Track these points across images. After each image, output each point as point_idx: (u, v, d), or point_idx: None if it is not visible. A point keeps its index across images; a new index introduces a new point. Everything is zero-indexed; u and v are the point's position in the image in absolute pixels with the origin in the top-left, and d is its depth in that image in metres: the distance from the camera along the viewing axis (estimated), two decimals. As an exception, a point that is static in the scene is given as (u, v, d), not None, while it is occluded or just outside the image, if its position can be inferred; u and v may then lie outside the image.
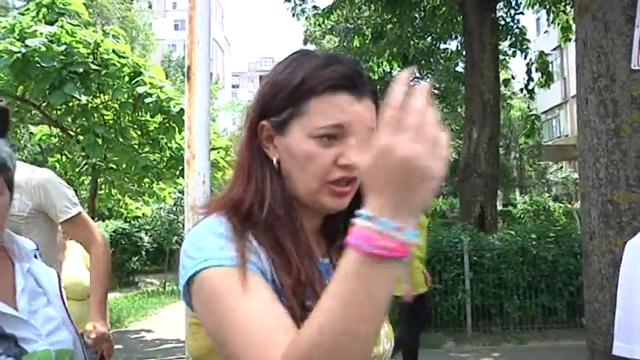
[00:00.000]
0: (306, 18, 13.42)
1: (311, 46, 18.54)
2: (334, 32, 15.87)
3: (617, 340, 1.71)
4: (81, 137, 7.14)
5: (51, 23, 6.51)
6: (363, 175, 0.74)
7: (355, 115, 0.94)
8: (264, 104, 0.99)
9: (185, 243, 0.94)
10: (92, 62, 6.40)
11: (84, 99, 6.53)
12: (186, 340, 1.01)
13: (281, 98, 0.96)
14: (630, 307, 1.36)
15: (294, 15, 13.23)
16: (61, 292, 1.37)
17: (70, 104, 6.78)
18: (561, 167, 26.15)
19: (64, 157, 8.45)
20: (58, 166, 8.50)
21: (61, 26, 6.35)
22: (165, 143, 7.71)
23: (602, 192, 3.32)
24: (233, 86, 68.58)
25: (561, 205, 19.85)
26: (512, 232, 8.53)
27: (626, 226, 3.24)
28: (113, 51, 6.66)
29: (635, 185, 3.23)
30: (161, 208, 15.18)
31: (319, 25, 14.42)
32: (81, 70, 6.23)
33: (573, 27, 11.43)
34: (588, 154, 3.38)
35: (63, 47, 6.16)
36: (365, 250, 0.71)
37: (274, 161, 0.98)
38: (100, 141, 6.91)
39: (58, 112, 7.21)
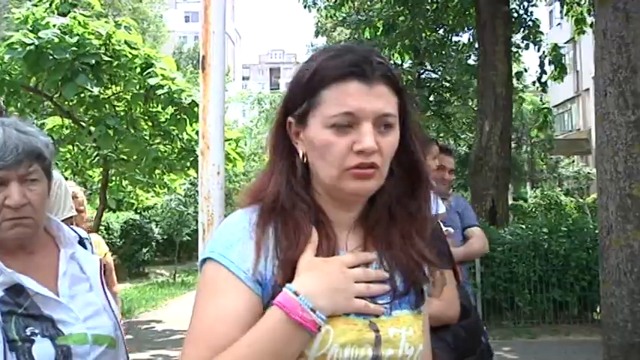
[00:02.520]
0: (318, 9, 13.37)
1: (322, 39, 18.50)
2: (345, 24, 15.79)
3: None
4: (92, 128, 7.15)
5: (64, 15, 6.53)
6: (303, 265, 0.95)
7: (365, 102, 0.96)
8: (287, 101, 1.04)
9: (219, 226, 1.06)
10: (104, 54, 6.40)
11: (96, 90, 6.53)
12: None
13: (298, 93, 1.01)
14: None
15: (305, 6, 13.18)
16: (102, 279, 1.41)
17: (82, 95, 6.79)
18: (573, 161, 26.00)
19: (75, 148, 8.47)
20: (69, 156, 8.52)
21: (74, 17, 6.35)
22: (177, 135, 7.71)
23: (621, 185, 3.27)
24: (243, 78, 68.60)
25: (573, 199, 19.73)
26: (523, 226, 8.48)
27: (645, 221, 3.20)
28: (125, 42, 6.65)
29: (655, 179, 3.18)
30: (171, 199, 15.23)
31: (331, 16, 14.38)
32: (93, 61, 6.23)
33: (587, 19, 11.40)
34: (606, 147, 3.33)
35: (75, 39, 6.16)
36: (287, 312, 0.89)
37: (301, 154, 1.02)
38: (111, 132, 6.92)
39: (70, 104, 7.22)
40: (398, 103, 1.00)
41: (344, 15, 14.69)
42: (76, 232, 1.47)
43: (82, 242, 1.46)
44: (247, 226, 0.99)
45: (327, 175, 0.99)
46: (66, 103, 7.20)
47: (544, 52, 12.58)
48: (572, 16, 12.04)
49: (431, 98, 16.88)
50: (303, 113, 1.00)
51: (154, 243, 16.77)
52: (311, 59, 1.04)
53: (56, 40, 5.98)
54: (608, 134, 3.32)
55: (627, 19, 3.20)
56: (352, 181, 0.97)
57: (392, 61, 13.48)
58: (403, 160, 1.03)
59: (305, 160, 1.01)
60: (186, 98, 6.88)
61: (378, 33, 13.24)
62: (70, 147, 8.56)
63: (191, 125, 7.18)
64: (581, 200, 19.10)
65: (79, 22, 6.33)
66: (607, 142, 3.33)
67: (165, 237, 16.81)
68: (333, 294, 0.93)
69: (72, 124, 7.92)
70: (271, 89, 59.57)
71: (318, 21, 17.88)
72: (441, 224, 3.08)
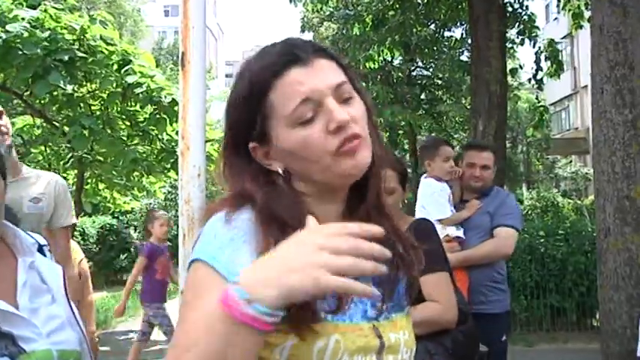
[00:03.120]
0: (304, 4, 13.36)
1: (309, 34, 18.48)
2: (333, 19, 15.81)
3: None
4: (67, 128, 7.09)
5: (33, 7, 6.43)
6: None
7: (314, 81, 0.95)
8: (237, 129, 1.01)
9: (204, 227, 0.99)
10: (78, 49, 6.34)
11: (70, 88, 6.47)
12: None
13: (244, 114, 0.99)
14: None
15: (290, 1, 13.16)
16: (66, 289, 1.36)
17: (55, 93, 6.73)
18: (570, 161, 26.21)
19: (48, 148, 8.40)
20: (41, 158, 8.44)
21: (45, 10, 6.28)
22: (156, 135, 7.67)
23: (619, 187, 3.30)
24: (226, 75, 68.40)
25: (570, 200, 19.88)
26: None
27: (643, 223, 3.23)
28: (101, 38, 6.59)
29: (653, 180, 3.22)
30: (151, 203, 15.15)
31: (317, 11, 14.36)
32: (66, 57, 6.16)
33: (585, 14, 11.50)
34: (604, 146, 3.36)
35: (47, 33, 6.08)
36: (223, 306, 0.79)
37: (280, 172, 1.00)
38: (86, 133, 6.86)
39: (42, 102, 7.16)
40: (349, 81, 0.99)
41: (331, 9, 14.69)
42: (34, 238, 1.41)
43: (41, 250, 1.40)
44: (238, 228, 0.95)
45: (316, 171, 0.97)
46: (37, 101, 7.13)
47: (540, 47, 12.66)
48: (569, 10, 12.12)
49: (422, 96, 16.94)
50: (262, 130, 0.98)
51: (132, 249, 16.66)
52: (238, 76, 1.03)
53: (26, 34, 5.90)
54: (605, 134, 3.35)
55: (625, 13, 3.24)
56: (344, 160, 0.96)
57: (382, 57, 13.54)
58: None
59: (287, 174, 1.00)
60: (166, 97, 6.84)
61: (367, 28, 13.25)
62: (43, 148, 8.49)
63: (171, 125, 7.15)
64: (579, 202, 19.24)
65: (51, 16, 6.25)
66: (604, 142, 3.37)
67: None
68: (283, 276, 0.77)
69: (44, 124, 7.85)
70: (256, 87, 59.35)
71: (305, 16, 17.88)
72: (440, 226, 3.08)
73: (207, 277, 0.91)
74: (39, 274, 1.33)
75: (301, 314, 0.88)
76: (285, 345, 0.91)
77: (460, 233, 3.28)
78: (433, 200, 3.25)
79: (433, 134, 17.71)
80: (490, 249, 3.23)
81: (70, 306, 1.36)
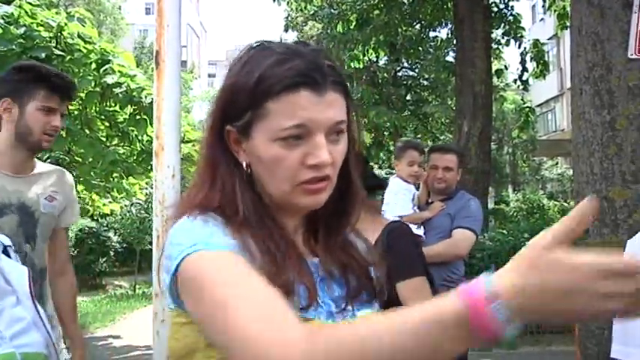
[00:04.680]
0: (288, 2, 13.38)
1: (292, 33, 18.51)
2: (317, 18, 15.85)
3: (615, 344, 1.76)
4: (43, 128, 7.03)
5: (7, 3, 6.37)
6: (531, 251, 0.73)
7: (317, 112, 0.93)
8: (225, 109, 0.99)
9: (170, 234, 0.95)
10: (55, 47, 6.30)
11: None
12: (167, 341, 1.03)
13: (240, 101, 0.97)
14: None
15: (274, 0, 13.19)
16: (31, 291, 1.35)
17: (31, 92, 6.67)
18: (557, 163, 26.44)
19: (24, 149, 8.33)
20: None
21: (20, 6, 6.22)
22: (136, 136, 7.64)
23: (597, 188, 3.36)
24: (209, 75, 68.14)
25: (557, 202, 20.07)
26: (504, 231, 8.62)
27: (622, 224, 3.29)
28: (78, 35, 6.55)
29: (631, 181, 3.26)
30: (132, 204, 15.07)
31: (301, 10, 14.40)
32: (43, 55, 6.11)
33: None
34: (582, 147, 3.42)
35: (22, 30, 6.03)
36: (470, 312, 0.69)
37: (244, 165, 1.00)
38: (64, 133, 6.81)
39: (18, 101, 7.09)
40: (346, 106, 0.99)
41: (315, 8, 14.73)
42: None
43: (5, 251, 1.39)
44: (216, 225, 0.94)
45: (276, 189, 0.98)
46: (13, 100, 7.07)
47: (525, 48, 12.79)
48: (555, 11, 12.26)
49: (408, 97, 17.02)
50: (246, 124, 0.97)
51: (112, 252, 16.56)
52: (251, 59, 0.99)
53: (0, 30, 5.86)
54: (584, 134, 3.40)
55: (602, 15, 3.30)
56: (305, 196, 0.97)
57: (366, 57, 13.58)
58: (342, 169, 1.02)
59: (249, 170, 1.00)
60: (146, 97, 6.80)
61: (352, 27, 13.31)
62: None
63: (151, 126, 7.12)
64: (565, 204, 19.44)
65: (26, 12, 6.18)
66: (583, 143, 3.42)
67: (124, 246, 16.62)
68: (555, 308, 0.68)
69: (20, 124, 7.79)
70: (240, 87, 59.12)
71: (288, 15, 17.91)
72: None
73: (220, 258, 0.87)
74: (3, 275, 1.32)
75: None
76: None
77: (420, 232, 3.44)
78: (396, 198, 3.45)
79: (419, 136, 17.80)
80: (441, 249, 3.34)
81: (36, 308, 1.35)
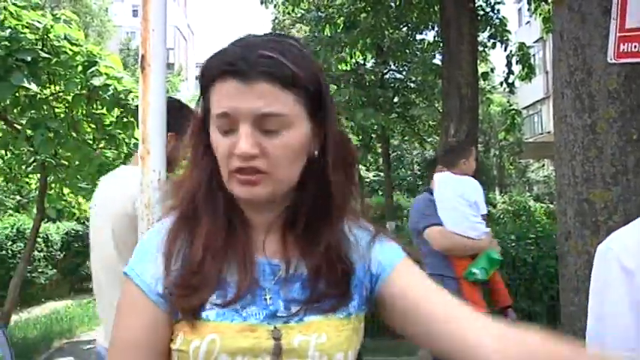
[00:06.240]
0: (275, 5, 13.40)
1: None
2: (304, 21, 15.87)
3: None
4: (29, 132, 7.01)
5: (-8, 5, 6.35)
6: None
7: (241, 101, 0.94)
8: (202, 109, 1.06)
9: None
10: (41, 49, 6.27)
11: (34, 87, 6.38)
12: None
13: (201, 92, 1.04)
14: (601, 315, 1.40)
15: (262, 2, 13.20)
16: None
17: (17, 95, 6.64)
18: (543, 165, 26.63)
19: (8, 152, 8.28)
20: (1, 162, 8.32)
21: (5, 8, 6.19)
22: (123, 139, 7.62)
23: (578, 190, 3.41)
24: (197, 78, 67.57)
25: (543, 205, 20.21)
26: (490, 233, 8.65)
27: (602, 226, 3.34)
28: (65, 38, 6.53)
29: (611, 183, 3.32)
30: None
31: (289, 13, 14.42)
32: (29, 58, 6.09)
33: (554, 18, 11.73)
34: (564, 150, 3.47)
35: (7, 32, 6.00)
36: None
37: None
38: (51, 136, 6.79)
39: (3, 104, 7.05)
40: (304, 102, 0.98)
41: (303, 11, 14.75)
42: None
43: None
44: (160, 236, 1.02)
45: (223, 178, 1.01)
46: (-2, 103, 7.02)
47: (511, 51, 12.90)
48: (540, 15, 12.37)
49: (395, 99, 17.08)
50: (205, 113, 1.03)
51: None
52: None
53: (-17, 32, 5.83)
54: (565, 137, 3.46)
55: (583, 20, 3.36)
56: (237, 186, 0.98)
57: (354, 60, 13.61)
58: (315, 173, 1.02)
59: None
60: (133, 99, 6.79)
61: (339, 30, 13.36)
62: (3, 152, 8.37)
63: (139, 128, 7.11)
64: (551, 206, 19.59)
65: (11, 13, 6.16)
66: (564, 146, 3.48)
67: (111, 249, 16.50)
68: None
69: (5, 127, 7.74)
70: (227, 89, 59.01)
71: (276, 17, 17.93)
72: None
73: (130, 291, 1.01)
74: None
75: (182, 311, 0.95)
76: (177, 338, 0.98)
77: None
78: (471, 210, 4.18)
79: (406, 138, 17.87)
80: (484, 244, 4.12)
81: None
